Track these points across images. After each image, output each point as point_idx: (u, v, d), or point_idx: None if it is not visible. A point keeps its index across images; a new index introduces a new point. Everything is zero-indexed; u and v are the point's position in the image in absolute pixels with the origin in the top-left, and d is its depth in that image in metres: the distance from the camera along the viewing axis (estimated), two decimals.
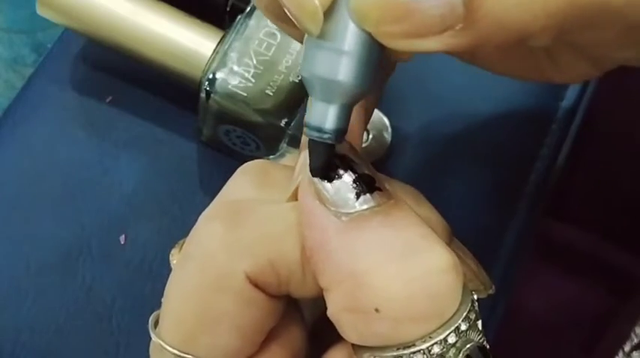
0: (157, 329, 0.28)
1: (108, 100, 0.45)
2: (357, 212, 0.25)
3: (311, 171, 0.26)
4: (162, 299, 0.28)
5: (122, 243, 0.42)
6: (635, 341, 0.44)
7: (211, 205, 0.28)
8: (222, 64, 0.39)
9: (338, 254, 0.25)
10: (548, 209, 0.48)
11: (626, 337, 0.43)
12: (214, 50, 0.40)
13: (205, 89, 0.39)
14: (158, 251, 0.42)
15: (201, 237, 0.27)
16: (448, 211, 0.45)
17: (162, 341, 0.27)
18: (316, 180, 0.25)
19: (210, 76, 0.39)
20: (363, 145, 0.44)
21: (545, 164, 0.47)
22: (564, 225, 0.53)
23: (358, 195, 0.25)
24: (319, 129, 0.25)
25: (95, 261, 0.42)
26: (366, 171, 0.26)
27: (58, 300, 0.41)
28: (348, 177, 0.25)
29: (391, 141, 0.45)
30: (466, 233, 0.45)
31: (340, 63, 0.24)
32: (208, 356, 0.26)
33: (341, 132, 0.25)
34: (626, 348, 0.42)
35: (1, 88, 0.55)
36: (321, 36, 0.24)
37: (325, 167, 0.26)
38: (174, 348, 0.26)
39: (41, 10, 0.42)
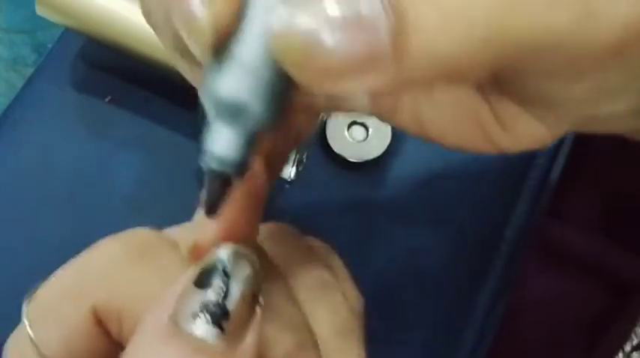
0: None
1: (107, 99, 0.45)
2: (190, 334, 0.23)
3: (205, 207, 0.24)
4: None
5: None
6: (636, 341, 0.44)
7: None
8: None
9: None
10: (549, 209, 0.48)
11: (626, 337, 0.43)
12: None
13: None
14: None
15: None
16: (448, 211, 0.45)
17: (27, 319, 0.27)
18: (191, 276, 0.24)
19: None
20: (363, 141, 0.44)
21: (546, 163, 0.47)
22: (565, 225, 0.53)
23: (196, 316, 0.23)
24: (219, 159, 0.23)
25: None
26: (229, 307, 0.23)
27: None
28: (207, 297, 0.24)
29: (391, 139, 0.45)
30: (466, 232, 0.45)
31: (246, 83, 0.21)
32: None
33: (243, 164, 0.23)
34: (627, 348, 0.42)
35: (1, 88, 0.55)
36: (225, 55, 0.21)
37: (219, 203, 0.24)
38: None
39: (40, 10, 0.42)
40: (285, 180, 0.44)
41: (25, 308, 0.27)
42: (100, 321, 0.26)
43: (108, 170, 0.43)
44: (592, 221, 0.53)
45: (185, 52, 0.25)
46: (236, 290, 0.23)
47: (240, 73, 0.21)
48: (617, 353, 0.44)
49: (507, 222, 0.46)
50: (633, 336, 0.44)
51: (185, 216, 0.44)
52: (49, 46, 0.46)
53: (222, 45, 0.21)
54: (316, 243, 0.31)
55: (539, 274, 0.52)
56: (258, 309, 0.24)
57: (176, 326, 0.23)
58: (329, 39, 0.19)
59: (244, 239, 0.26)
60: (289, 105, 0.22)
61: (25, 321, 0.27)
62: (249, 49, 0.21)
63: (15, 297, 0.42)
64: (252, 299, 0.24)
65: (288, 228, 0.31)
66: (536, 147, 0.30)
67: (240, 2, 0.21)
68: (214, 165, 0.23)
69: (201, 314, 0.23)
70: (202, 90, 0.23)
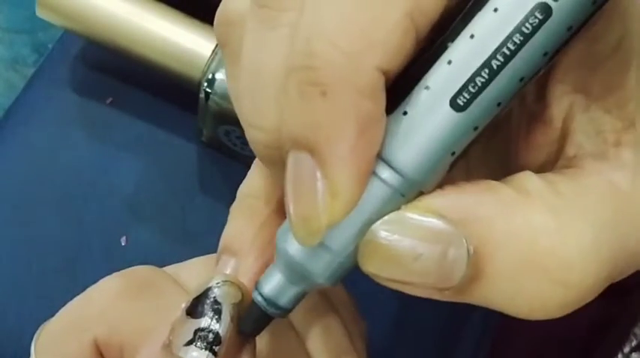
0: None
1: (108, 101, 0.45)
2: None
3: (240, 330, 0.25)
4: None
5: (123, 244, 0.42)
6: (635, 342, 0.44)
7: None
8: (221, 64, 0.39)
9: None
10: None
11: (625, 338, 0.43)
12: (213, 51, 0.41)
13: (205, 90, 0.39)
14: (159, 251, 0.42)
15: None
16: None
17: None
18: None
19: (210, 77, 0.39)
20: None
21: None
22: None
23: (189, 343, 0.24)
24: (271, 302, 0.24)
25: (96, 262, 0.42)
26: (221, 333, 0.24)
27: (60, 302, 0.41)
28: (200, 324, 0.24)
29: None
30: None
31: (322, 261, 0.22)
32: None
33: (288, 312, 0.24)
34: (626, 349, 0.42)
35: (1, 88, 0.55)
36: None
37: (251, 332, 0.25)
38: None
39: (41, 12, 0.42)
40: None
41: (33, 345, 0.28)
42: (100, 355, 0.27)
43: (108, 171, 0.43)
44: None
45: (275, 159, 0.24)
46: (227, 315, 0.24)
47: (319, 251, 0.22)
48: (616, 354, 0.44)
49: None
50: (632, 337, 0.44)
51: (185, 216, 0.44)
52: (50, 46, 0.46)
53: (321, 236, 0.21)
54: None
55: None
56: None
57: (170, 354, 0.24)
58: (410, 263, 0.21)
59: None
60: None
61: (33, 356, 0.28)
62: (336, 236, 0.22)
63: (15, 297, 0.42)
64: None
65: None
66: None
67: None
68: (261, 303, 0.24)
69: (195, 341, 0.24)
70: (277, 237, 0.23)
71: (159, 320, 0.25)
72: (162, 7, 0.42)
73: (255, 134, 0.22)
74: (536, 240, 0.20)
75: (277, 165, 0.22)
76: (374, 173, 0.21)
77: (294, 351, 0.27)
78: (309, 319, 0.28)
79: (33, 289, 0.42)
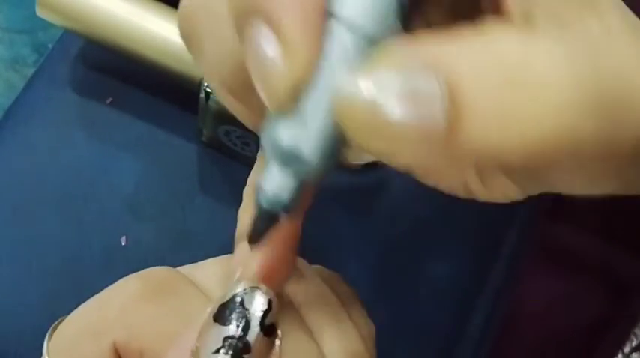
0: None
1: (108, 102, 0.45)
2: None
3: (250, 237, 0.25)
4: None
5: (123, 243, 0.42)
6: (635, 342, 0.44)
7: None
8: None
9: None
10: (549, 210, 0.48)
11: (625, 338, 0.43)
12: None
13: (205, 89, 0.39)
14: (159, 251, 0.42)
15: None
16: (450, 213, 0.45)
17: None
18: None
19: None
20: None
21: None
22: (564, 226, 0.53)
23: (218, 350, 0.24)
24: (271, 198, 0.24)
25: (96, 262, 0.42)
26: (249, 341, 0.24)
27: (60, 302, 0.41)
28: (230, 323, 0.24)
29: None
30: (467, 233, 0.45)
31: (306, 136, 0.23)
32: None
33: (291, 206, 0.24)
34: (626, 349, 0.42)
35: (1, 88, 0.55)
36: (290, 109, 0.23)
37: (262, 236, 0.25)
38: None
39: (41, 12, 0.42)
40: None
41: (46, 345, 0.28)
42: None
43: (108, 171, 0.43)
44: (592, 222, 0.53)
45: (240, 93, 0.26)
46: (255, 323, 0.24)
47: (302, 126, 0.22)
48: (616, 354, 0.44)
49: (508, 223, 0.46)
50: (632, 337, 0.44)
51: (185, 216, 0.44)
52: (50, 46, 0.46)
53: (290, 97, 0.22)
54: (325, 272, 0.32)
55: (539, 275, 0.52)
56: (277, 341, 0.25)
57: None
58: (388, 109, 0.20)
59: (282, 276, 0.27)
60: (341, 158, 0.24)
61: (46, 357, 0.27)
62: (314, 104, 0.22)
63: (15, 296, 0.42)
64: (271, 331, 0.24)
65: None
66: (505, 202, 0.31)
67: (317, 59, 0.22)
68: (265, 202, 0.24)
69: (223, 349, 0.23)
70: (262, 133, 0.23)
71: (180, 325, 0.25)
72: (162, 6, 0.42)
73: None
74: (506, 58, 0.20)
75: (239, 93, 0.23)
76: (327, 30, 0.22)
77: (310, 353, 0.26)
78: (324, 322, 0.28)
79: (33, 288, 0.41)
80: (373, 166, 0.44)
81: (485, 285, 0.44)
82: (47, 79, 0.45)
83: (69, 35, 0.45)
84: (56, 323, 0.28)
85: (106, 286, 0.41)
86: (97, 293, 0.41)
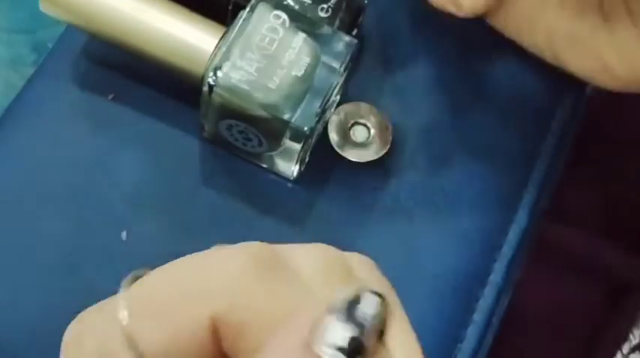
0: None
1: (110, 97, 0.44)
2: None
3: None
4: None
5: (124, 239, 0.42)
6: (634, 342, 0.44)
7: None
8: (225, 58, 0.39)
9: None
10: (549, 210, 0.48)
11: (624, 338, 0.43)
12: (217, 45, 0.41)
13: (208, 83, 0.39)
14: (160, 247, 0.42)
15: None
16: (449, 212, 0.45)
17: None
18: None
19: (214, 70, 0.39)
20: (365, 142, 0.45)
21: (547, 163, 0.47)
22: (564, 225, 0.53)
23: None
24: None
25: (97, 258, 0.42)
26: (366, 344, 0.24)
27: (60, 298, 0.41)
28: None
29: (392, 139, 0.45)
30: (467, 234, 0.45)
31: None
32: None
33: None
34: (625, 350, 0.42)
35: (1, 88, 0.55)
36: None
37: None
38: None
39: (44, 7, 0.42)
40: (287, 179, 0.44)
41: (123, 294, 0.26)
42: (214, 332, 0.25)
43: (110, 168, 0.43)
44: (591, 222, 0.53)
45: None
46: (372, 326, 0.24)
47: None
48: (615, 354, 0.44)
49: (508, 223, 0.46)
50: (631, 337, 0.44)
51: (187, 212, 0.44)
52: (50, 45, 0.46)
53: None
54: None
55: (539, 275, 0.52)
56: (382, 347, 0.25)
57: (311, 352, 0.23)
58: None
59: None
60: None
61: (125, 312, 0.26)
62: None
63: (16, 295, 0.42)
64: (381, 337, 0.24)
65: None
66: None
67: None
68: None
69: (340, 348, 0.23)
70: None
71: (285, 304, 0.25)
72: (165, 2, 0.42)
73: None
74: None
75: None
76: None
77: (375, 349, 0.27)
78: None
79: (33, 283, 0.41)
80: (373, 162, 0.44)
81: (486, 286, 0.44)
82: (49, 75, 0.45)
83: (71, 31, 0.45)
84: (137, 272, 0.27)
85: (107, 281, 0.41)
86: (97, 289, 0.41)
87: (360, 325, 0.23)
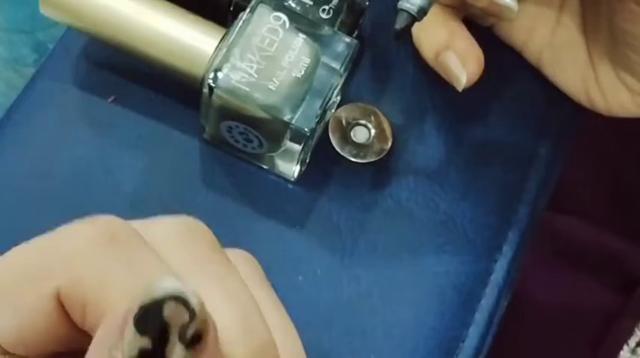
0: None
1: (110, 99, 0.44)
2: None
3: (393, 35, 0.37)
4: None
5: None
6: None
7: None
8: (225, 59, 0.39)
9: None
10: (555, 203, 0.48)
11: (630, 332, 0.43)
12: (217, 46, 0.41)
13: (208, 84, 0.39)
14: None
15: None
16: (450, 212, 0.45)
17: None
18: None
19: (214, 71, 0.39)
20: (365, 143, 0.45)
21: (547, 163, 0.47)
22: (570, 219, 0.53)
23: None
24: (410, 2, 0.37)
25: None
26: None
27: None
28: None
29: (392, 140, 0.45)
30: (468, 232, 0.45)
31: None
32: None
33: (423, 9, 0.37)
34: (631, 343, 0.42)
35: (1, 88, 0.55)
36: None
37: (402, 34, 0.37)
38: None
39: (44, 9, 0.42)
40: (288, 180, 0.44)
41: None
42: (62, 308, 0.24)
43: (111, 169, 0.43)
44: (598, 216, 0.53)
45: None
46: (174, 338, 0.21)
47: None
48: (621, 348, 0.44)
49: (509, 223, 0.46)
50: (638, 331, 0.44)
51: (187, 214, 0.43)
52: (50, 46, 0.46)
53: None
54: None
55: (545, 269, 0.52)
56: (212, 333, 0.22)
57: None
58: None
59: None
60: None
61: None
62: None
63: None
64: (196, 341, 0.21)
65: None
66: (621, 115, 0.42)
67: None
68: (406, 5, 0.37)
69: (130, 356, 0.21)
70: None
71: (128, 276, 0.23)
72: (166, 3, 0.42)
73: None
74: None
75: None
76: None
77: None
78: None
79: None
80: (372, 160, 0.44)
81: (487, 286, 0.44)
82: (49, 77, 0.45)
83: (71, 32, 0.45)
84: None
85: None
86: None
87: (157, 331, 0.21)
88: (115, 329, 0.21)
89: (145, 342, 0.20)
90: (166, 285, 0.20)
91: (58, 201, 0.43)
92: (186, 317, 0.21)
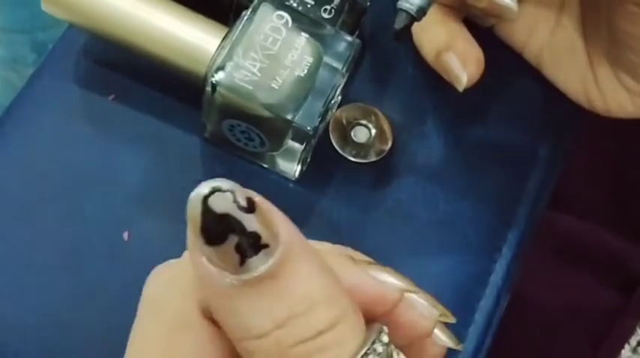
0: None
1: (111, 97, 0.44)
2: (242, 278, 0.24)
3: (393, 36, 0.37)
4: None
5: (126, 239, 0.42)
6: None
7: None
8: (228, 57, 0.39)
9: (232, 318, 0.25)
10: (555, 203, 0.48)
11: (632, 331, 0.43)
12: (219, 46, 0.41)
13: (211, 82, 0.39)
14: (162, 247, 0.42)
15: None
16: (450, 212, 0.45)
17: None
18: (203, 246, 0.25)
19: (216, 70, 0.39)
20: (366, 143, 0.45)
21: (547, 163, 0.47)
22: (571, 219, 0.53)
23: (243, 261, 0.24)
24: (409, 2, 0.37)
25: (99, 258, 0.42)
26: (252, 229, 0.25)
27: (61, 297, 0.41)
28: (230, 242, 0.25)
29: (393, 140, 0.45)
30: (468, 233, 0.45)
31: None
32: None
33: (423, 9, 0.38)
34: (633, 342, 0.42)
35: (1, 88, 0.55)
36: None
37: (402, 34, 0.38)
38: None
39: (46, 6, 0.42)
40: (289, 180, 0.44)
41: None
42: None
43: (112, 168, 0.43)
44: (597, 214, 0.53)
45: None
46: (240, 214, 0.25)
47: None
48: (622, 347, 0.44)
49: (508, 223, 0.46)
50: (639, 330, 0.44)
51: None
52: (49, 46, 0.46)
53: None
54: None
55: (546, 268, 0.52)
56: (266, 204, 0.26)
57: (236, 282, 0.24)
58: None
59: None
60: None
61: None
62: None
63: (15, 291, 0.42)
64: (252, 203, 0.25)
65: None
66: (620, 115, 0.43)
67: None
68: (405, 6, 0.37)
69: (244, 254, 0.24)
70: None
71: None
72: (169, 2, 0.42)
73: None
74: None
75: None
76: None
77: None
78: None
79: (34, 283, 0.41)
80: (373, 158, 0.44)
81: (487, 287, 0.44)
82: (50, 75, 0.45)
83: (72, 30, 0.45)
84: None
85: (109, 281, 0.41)
86: (98, 289, 0.41)
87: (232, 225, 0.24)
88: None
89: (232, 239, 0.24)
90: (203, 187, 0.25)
91: (58, 199, 0.43)
92: (229, 196, 0.25)
